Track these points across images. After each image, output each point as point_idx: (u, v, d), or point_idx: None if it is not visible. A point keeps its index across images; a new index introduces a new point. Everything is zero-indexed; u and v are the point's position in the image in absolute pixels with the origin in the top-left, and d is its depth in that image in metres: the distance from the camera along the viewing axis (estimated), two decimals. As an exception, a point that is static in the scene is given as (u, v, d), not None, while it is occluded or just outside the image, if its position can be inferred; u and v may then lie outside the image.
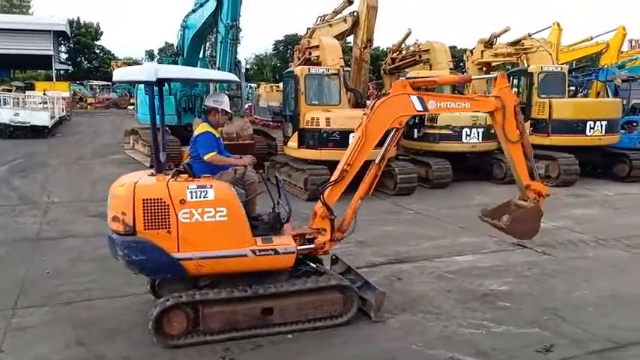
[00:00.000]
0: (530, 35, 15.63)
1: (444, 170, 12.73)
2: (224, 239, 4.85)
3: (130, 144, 19.26)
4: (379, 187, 11.65)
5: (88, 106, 45.66)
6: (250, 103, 30.29)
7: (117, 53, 63.10)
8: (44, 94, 29.42)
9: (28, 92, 32.94)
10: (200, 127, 5.70)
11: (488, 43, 16.30)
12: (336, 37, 14.56)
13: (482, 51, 16.60)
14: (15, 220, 9.47)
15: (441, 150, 13.23)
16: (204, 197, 4.78)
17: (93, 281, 6.41)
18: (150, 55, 68.39)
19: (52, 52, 45.98)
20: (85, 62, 63.38)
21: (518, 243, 8.01)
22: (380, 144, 5.41)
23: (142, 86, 14.05)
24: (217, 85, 11.67)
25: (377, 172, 5.52)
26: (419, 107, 5.33)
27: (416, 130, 13.69)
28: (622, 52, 23.81)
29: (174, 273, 4.89)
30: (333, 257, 6.06)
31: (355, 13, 14.27)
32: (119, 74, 5.35)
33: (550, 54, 15.22)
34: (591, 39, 24.15)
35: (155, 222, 4.67)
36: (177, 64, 15.84)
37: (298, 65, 13.83)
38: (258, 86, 35.21)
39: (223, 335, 4.87)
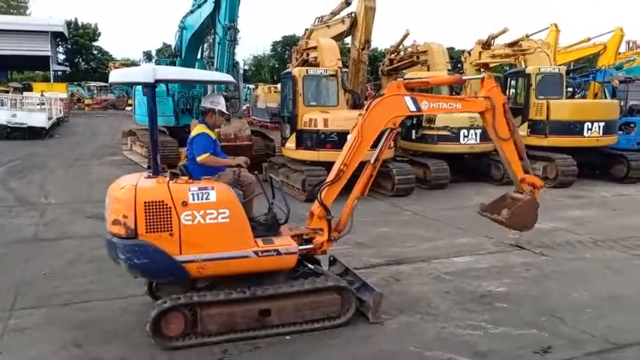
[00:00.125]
0: (527, 36, 15.61)
1: (442, 171, 12.73)
2: (226, 241, 4.84)
3: (127, 145, 19.24)
4: (377, 188, 11.71)
5: (86, 107, 45.71)
6: (248, 105, 30.31)
7: (115, 54, 63.28)
8: (42, 95, 29.38)
9: (25, 93, 32.98)
10: (197, 129, 5.71)
11: (486, 45, 16.28)
12: (334, 38, 14.53)
13: (479, 52, 16.57)
14: (12, 222, 9.44)
15: (439, 151, 13.23)
16: (206, 199, 4.77)
17: (90, 283, 6.39)
18: (148, 56, 68.46)
19: (49, 53, 46.02)
20: (83, 63, 63.39)
21: (516, 244, 8.03)
22: (375, 145, 5.46)
23: (139, 87, 14.01)
24: (215, 86, 11.66)
25: (372, 172, 5.58)
26: (412, 108, 5.37)
27: (414, 132, 13.71)
28: (619, 54, 23.90)
29: (176, 276, 4.86)
30: (331, 258, 6.07)
31: (353, 14, 14.26)
32: (116, 75, 5.33)
33: (548, 55, 15.20)
34: (589, 40, 24.26)
35: (157, 225, 4.64)
36: (175, 65, 15.83)
37: (296, 66, 13.80)
38: (256, 87, 35.30)
39: (221, 337, 4.85)
